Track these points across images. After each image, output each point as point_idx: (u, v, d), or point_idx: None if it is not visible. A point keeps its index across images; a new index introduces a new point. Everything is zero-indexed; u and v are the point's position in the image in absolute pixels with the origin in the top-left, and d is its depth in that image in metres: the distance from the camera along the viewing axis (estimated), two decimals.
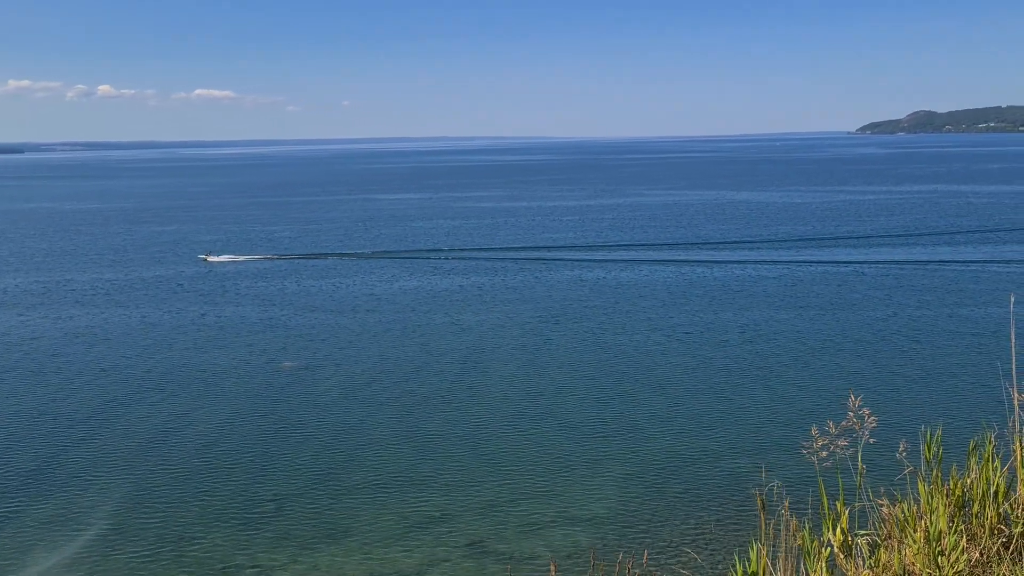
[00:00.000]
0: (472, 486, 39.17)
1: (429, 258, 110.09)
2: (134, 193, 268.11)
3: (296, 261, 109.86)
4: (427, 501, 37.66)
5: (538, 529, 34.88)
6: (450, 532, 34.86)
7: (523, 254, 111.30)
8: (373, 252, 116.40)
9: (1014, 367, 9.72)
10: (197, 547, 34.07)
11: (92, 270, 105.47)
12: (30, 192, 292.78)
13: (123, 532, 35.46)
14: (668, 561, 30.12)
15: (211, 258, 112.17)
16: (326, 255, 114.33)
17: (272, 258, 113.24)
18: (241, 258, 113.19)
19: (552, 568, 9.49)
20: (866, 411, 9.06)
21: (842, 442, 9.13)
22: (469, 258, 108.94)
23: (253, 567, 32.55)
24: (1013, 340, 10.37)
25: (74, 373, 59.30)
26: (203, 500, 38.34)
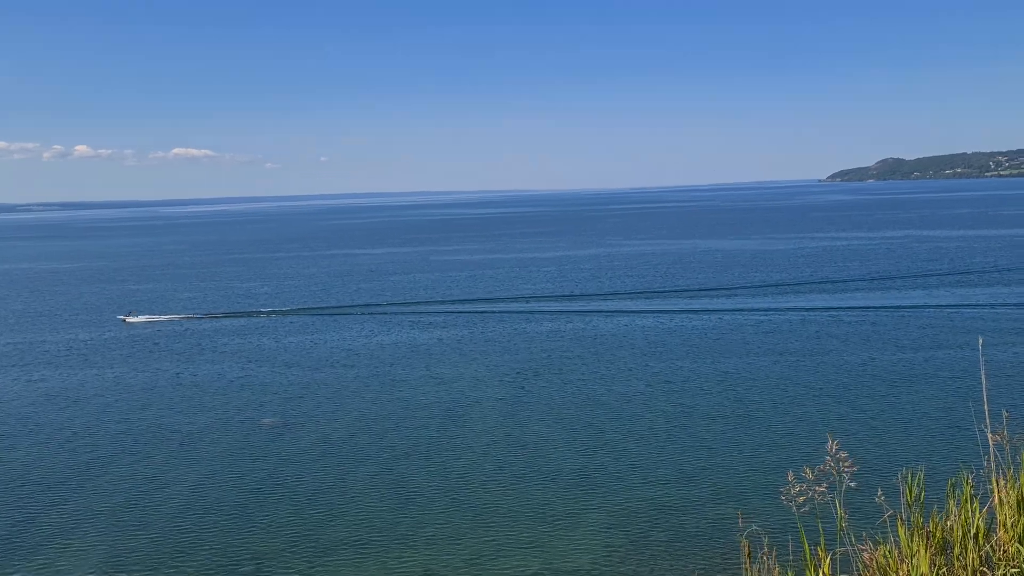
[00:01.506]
0: (455, 541, 38.63)
1: (406, 312, 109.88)
2: (107, 253, 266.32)
3: (260, 318, 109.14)
4: (410, 557, 37.06)
5: None
6: None
7: (501, 306, 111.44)
8: (344, 306, 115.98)
9: (986, 408, 9.90)
10: None
11: (64, 330, 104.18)
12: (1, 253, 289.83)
13: None
14: None
15: (130, 319, 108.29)
16: (290, 311, 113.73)
17: (192, 317, 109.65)
18: (162, 318, 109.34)
19: None
20: (843, 455, 9.17)
21: (821, 487, 9.22)
22: (447, 312, 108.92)
23: None
24: (984, 382, 10.58)
25: (45, 436, 58.13)
26: (182, 559, 37.48)
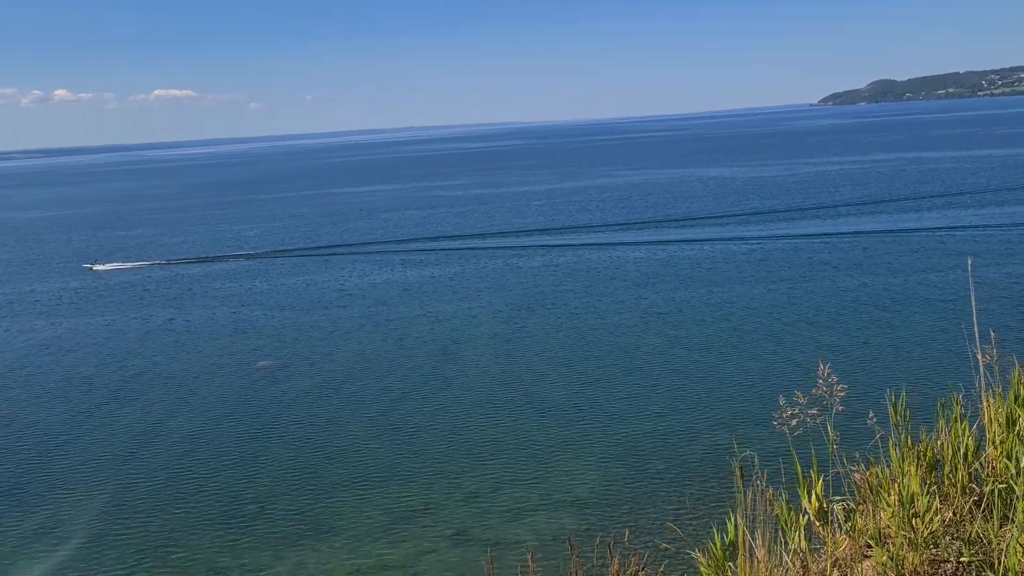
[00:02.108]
0: (454, 476, 39.21)
1: (399, 251, 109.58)
2: (95, 198, 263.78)
3: (254, 261, 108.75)
4: (410, 494, 37.65)
5: (522, 515, 35.02)
6: (434, 523, 34.89)
7: (494, 242, 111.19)
8: (336, 246, 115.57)
9: (975, 328, 9.90)
10: (181, 551, 33.83)
11: (53, 279, 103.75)
12: None
13: (105, 541, 35.10)
14: (650, 538, 30.36)
15: (97, 267, 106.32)
16: (286, 252, 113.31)
17: (160, 263, 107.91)
18: (128, 265, 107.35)
19: (530, 558, 9.52)
20: (834, 379, 9.18)
21: (813, 411, 9.25)
22: (440, 249, 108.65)
23: (239, 568, 32.40)
24: (973, 302, 10.57)
25: (40, 386, 58.34)
26: (185, 504, 38.04)
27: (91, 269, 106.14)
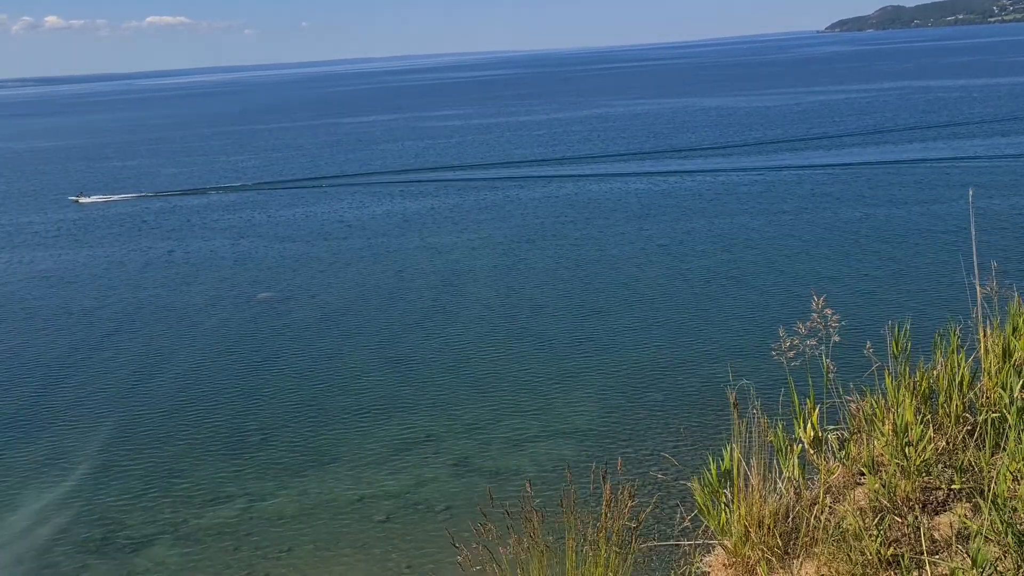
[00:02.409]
0: (454, 407, 39.69)
1: (397, 182, 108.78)
2: (91, 128, 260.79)
3: (253, 192, 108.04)
4: (411, 424, 38.17)
5: (521, 445, 35.57)
6: (435, 453, 35.46)
7: (492, 172, 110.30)
8: (333, 176, 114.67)
9: (975, 260, 9.83)
10: (186, 481, 34.46)
11: (52, 210, 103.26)
12: None
13: (110, 471, 35.72)
14: (646, 467, 30.93)
15: (83, 199, 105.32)
16: (284, 183, 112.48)
17: (151, 195, 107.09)
18: (116, 197, 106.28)
19: (528, 486, 9.65)
20: (829, 311, 9.16)
21: (812, 342, 9.24)
22: (438, 180, 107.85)
23: (243, 495, 33.04)
24: (973, 233, 10.47)
25: (42, 318, 58.61)
26: (188, 435, 38.61)
27: (76, 202, 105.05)
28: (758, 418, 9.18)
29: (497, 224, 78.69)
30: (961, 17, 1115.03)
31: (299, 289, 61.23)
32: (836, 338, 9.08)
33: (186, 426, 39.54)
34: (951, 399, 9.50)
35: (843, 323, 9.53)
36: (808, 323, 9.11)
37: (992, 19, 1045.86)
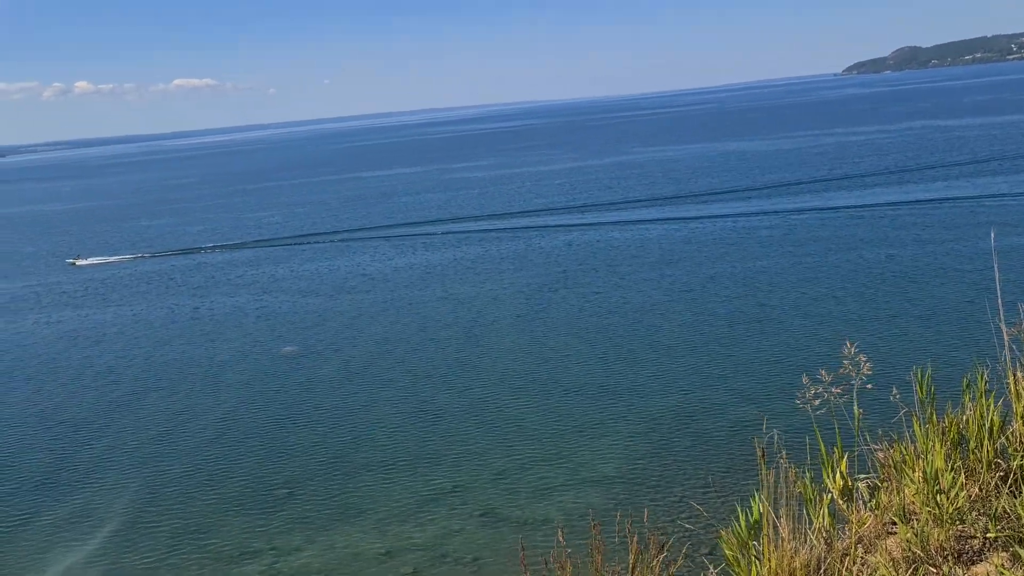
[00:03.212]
0: (481, 457, 39.46)
1: (420, 234, 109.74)
2: (116, 191, 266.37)
3: (277, 247, 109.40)
4: (438, 475, 37.96)
5: (549, 493, 35.21)
6: (463, 504, 35.17)
7: (515, 222, 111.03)
8: (356, 229, 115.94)
9: (999, 301, 9.77)
10: (214, 536, 34.39)
11: (80, 270, 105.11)
12: (7, 197, 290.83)
13: (139, 528, 35.76)
14: (674, 516, 30.47)
15: (79, 262, 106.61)
16: (308, 238, 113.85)
17: (144, 256, 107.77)
18: (113, 259, 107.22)
19: (560, 534, 9.59)
20: (861, 357, 9.13)
21: (837, 389, 9.20)
22: (461, 231, 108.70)
23: (271, 550, 32.89)
24: (997, 274, 10.42)
25: (70, 376, 59.26)
26: (216, 490, 38.63)
27: (74, 264, 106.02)
28: (786, 467, 9.10)
29: (520, 273, 78.99)
30: (979, 56, 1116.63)
31: (323, 343, 61.58)
32: (868, 385, 9.03)
33: (212, 482, 39.58)
34: (982, 444, 9.37)
35: (870, 368, 9.49)
36: (839, 370, 9.07)
37: (1011, 56, 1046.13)
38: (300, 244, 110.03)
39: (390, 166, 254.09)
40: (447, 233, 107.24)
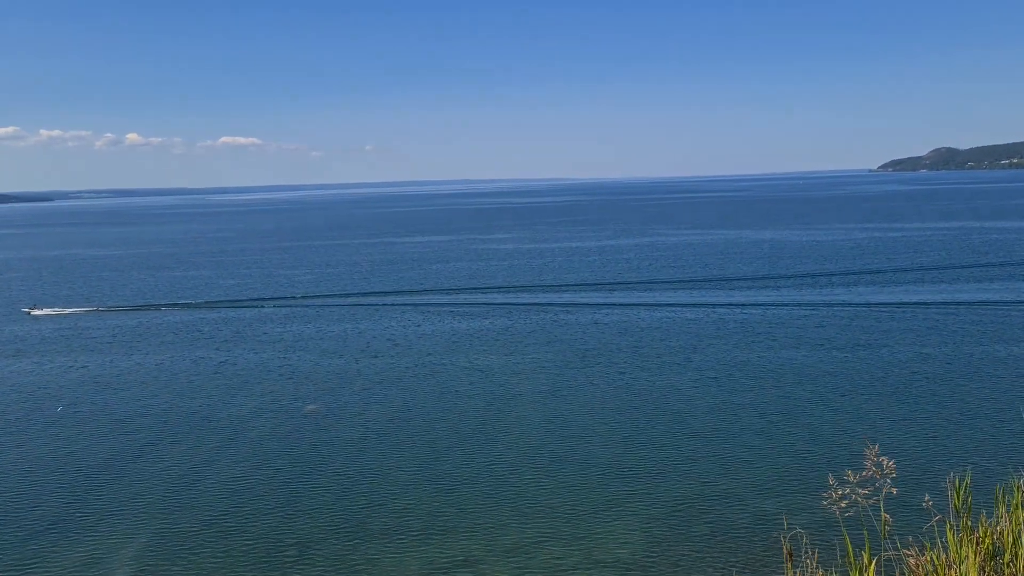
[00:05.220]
0: (496, 530, 38.75)
1: (447, 302, 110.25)
2: (158, 239, 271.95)
3: (306, 307, 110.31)
4: (451, 546, 37.27)
5: (563, 573, 34.33)
6: None
7: (542, 296, 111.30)
8: (385, 292, 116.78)
9: None
10: None
11: (111, 316, 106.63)
12: (53, 240, 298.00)
13: None
14: None
15: (35, 311, 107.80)
16: (337, 298, 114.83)
17: (99, 310, 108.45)
18: (67, 311, 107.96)
19: None
20: (885, 459, 8.92)
21: (864, 491, 8.98)
22: (488, 302, 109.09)
23: None
24: None
25: (90, 424, 59.59)
26: (227, 545, 38.19)
27: (29, 313, 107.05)
28: (811, 569, 8.85)
29: (545, 348, 78.78)
30: (1016, 160, 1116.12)
31: (345, 404, 61.49)
32: (894, 490, 8.80)
33: (223, 537, 39.17)
34: (1017, 558, 9.06)
35: (898, 471, 9.27)
36: (864, 472, 8.87)
37: None
38: (328, 306, 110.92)
39: (422, 233, 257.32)
40: (475, 303, 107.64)
